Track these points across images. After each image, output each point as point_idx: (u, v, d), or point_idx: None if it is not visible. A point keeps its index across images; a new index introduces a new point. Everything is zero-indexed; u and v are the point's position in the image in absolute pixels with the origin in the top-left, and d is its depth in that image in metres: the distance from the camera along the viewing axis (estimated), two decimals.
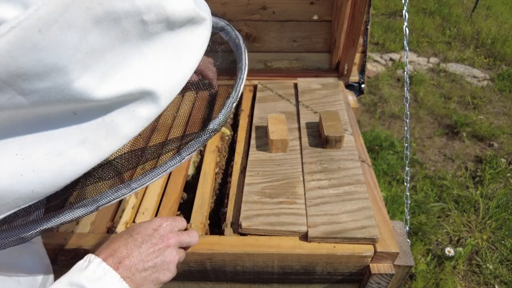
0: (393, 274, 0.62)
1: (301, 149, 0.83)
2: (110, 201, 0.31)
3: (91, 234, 0.66)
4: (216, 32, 0.40)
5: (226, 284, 0.71)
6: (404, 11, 0.74)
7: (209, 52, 0.40)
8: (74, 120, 0.25)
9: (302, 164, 0.78)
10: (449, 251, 1.60)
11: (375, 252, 0.61)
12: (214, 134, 0.35)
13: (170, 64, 0.28)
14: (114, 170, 0.32)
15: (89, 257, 0.44)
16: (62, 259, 0.65)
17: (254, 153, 0.82)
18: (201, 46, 0.32)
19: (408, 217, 0.75)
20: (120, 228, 0.68)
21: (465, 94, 2.87)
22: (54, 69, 0.21)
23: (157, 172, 0.33)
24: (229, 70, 0.39)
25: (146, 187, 0.78)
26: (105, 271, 0.42)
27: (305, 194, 0.71)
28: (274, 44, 1.20)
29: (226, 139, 0.94)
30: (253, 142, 0.85)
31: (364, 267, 0.64)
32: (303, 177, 0.75)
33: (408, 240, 0.67)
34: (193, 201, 0.74)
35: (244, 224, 0.65)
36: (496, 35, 3.73)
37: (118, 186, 0.32)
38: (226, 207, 0.73)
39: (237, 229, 0.66)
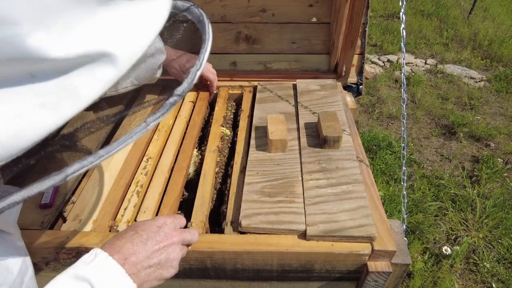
0: (391, 272, 0.64)
1: (300, 149, 0.84)
2: (78, 170, 0.30)
3: (93, 232, 0.67)
4: (180, 12, 0.42)
5: (226, 281, 0.72)
6: (401, 13, 0.75)
7: (176, 30, 0.41)
8: (33, 82, 0.25)
9: (301, 164, 0.80)
10: (446, 249, 1.62)
11: (373, 250, 0.62)
12: (179, 100, 0.36)
13: (129, 30, 0.29)
14: (80, 138, 0.33)
15: (95, 251, 0.44)
16: (65, 257, 0.66)
17: (253, 153, 0.83)
18: (161, 16, 0.33)
19: (406, 216, 0.76)
20: (122, 226, 0.69)
21: (462, 95, 2.90)
22: (5, 20, 0.22)
23: (123, 139, 0.33)
24: (195, 43, 0.41)
25: (148, 187, 0.78)
26: (111, 266, 0.43)
27: (303, 193, 0.72)
28: (273, 45, 1.21)
29: (226, 139, 0.95)
30: (252, 142, 0.87)
31: (361, 265, 0.65)
32: (301, 176, 0.76)
33: (405, 238, 0.68)
34: (193, 200, 0.75)
35: (244, 222, 0.66)
36: (493, 37, 3.76)
37: (86, 154, 0.32)
38: (226, 206, 0.74)
39: (237, 227, 0.67)
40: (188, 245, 0.55)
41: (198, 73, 0.37)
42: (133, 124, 0.35)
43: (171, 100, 0.35)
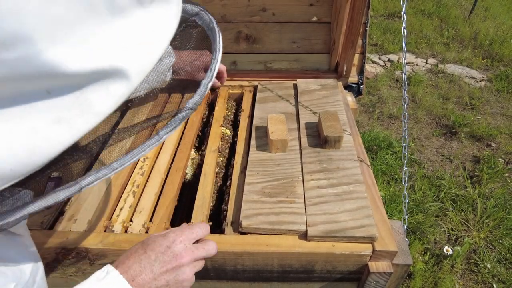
0: (392, 273, 0.63)
1: (300, 149, 0.84)
2: (92, 182, 0.31)
3: (93, 233, 0.67)
4: (190, 17, 0.41)
5: (226, 282, 0.71)
6: (402, 13, 0.75)
7: (186, 36, 0.40)
8: (48, 98, 0.25)
9: (302, 164, 0.79)
10: (447, 250, 1.62)
11: (374, 251, 0.62)
12: (191, 113, 0.36)
13: (141, 41, 0.29)
14: (94, 151, 0.33)
15: (107, 268, 0.45)
16: (64, 258, 0.66)
17: (254, 153, 0.83)
18: (172, 24, 0.32)
19: (406, 216, 0.76)
20: (117, 227, 0.69)
21: (463, 95, 2.89)
22: (19, 38, 0.22)
23: (136, 151, 0.33)
24: (204, 50, 0.41)
25: (144, 187, 0.78)
26: (121, 285, 0.43)
27: (304, 194, 0.72)
28: (274, 45, 1.21)
29: (227, 139, 0.95)
30: (253, 142, 0.86)
31: (362, 266, 0.65)
32: (302, 176, 0.76)
33: (406, 239, 0.68)
34: (193, 201, 0.75)
35: (244, 223, 0.66)
36: (494, 36, 3.75)
37: (99, 166, 0.32)
38: (227, 206, 0.73)
39: (238, 228, 0.67)
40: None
41: (209, 85, 0.37)
42: (146, 137, 0.35)
43: (183, 113, 0.35)
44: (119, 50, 0.27)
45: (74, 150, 0.32)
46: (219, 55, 0.38)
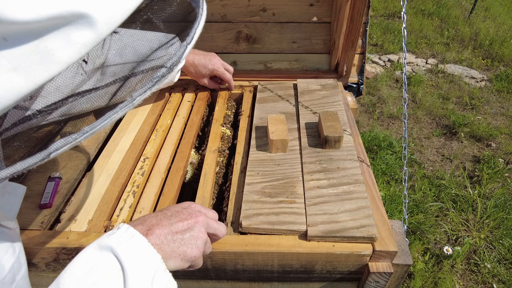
0: (392, 273, 0.63)
1: (300, 149, 0.84)
2: (61, 147, 0.30)
3: (93, 233, 0.67)
4: None
5: (226, 282, 0.72)
6: (402, 13, 0.75)
7: (167, 3, 0.39)
8: (4, 45, 0.24)
9: (302, 164, 0.79)
10: (447, 250, 1.62)
11: (374, 251, 0.62)
12: (167, 73, 0.34)
13: None
14: (63, 113, 0.32)
15: (119, 224, 0.45)
16: (64, 258, 0.66)
17: (254, 153, 0.83)
18: None
19: (407, 216, 0.76)
20: None
21: (463, 95, 2.89)
22: None
23: (108, 115, 0.32)
24: (188, 17, 0.40)
25: (144, 187, 0.78)
26: (132, 235, 0.43)
27: (304, 194, 0.72)
28: (274, 45, 1.21)
29: (227, 139, 0.95)
30: (253, 142, 0.86)
31: (363, 266, 0.65)
32: (302, 176, 0.76)
33: (406, 239, 0.68)
34: (193, 200, 0.75)
35: (244, 223, 0.66)
36: (494, 36, 3.75)
37: (70, 130, 0.32)
38: (227, 206, 0.73)
39: (238, 228, 0.67)
40: (213, 240, 0.54)
41: (189, 48, 0.35)
42: (119, 100, 0.34)
43: (159, 73, 0.33)
44: None
45: (42, 114, 0.31)
46: (201, 19, 0.36)
